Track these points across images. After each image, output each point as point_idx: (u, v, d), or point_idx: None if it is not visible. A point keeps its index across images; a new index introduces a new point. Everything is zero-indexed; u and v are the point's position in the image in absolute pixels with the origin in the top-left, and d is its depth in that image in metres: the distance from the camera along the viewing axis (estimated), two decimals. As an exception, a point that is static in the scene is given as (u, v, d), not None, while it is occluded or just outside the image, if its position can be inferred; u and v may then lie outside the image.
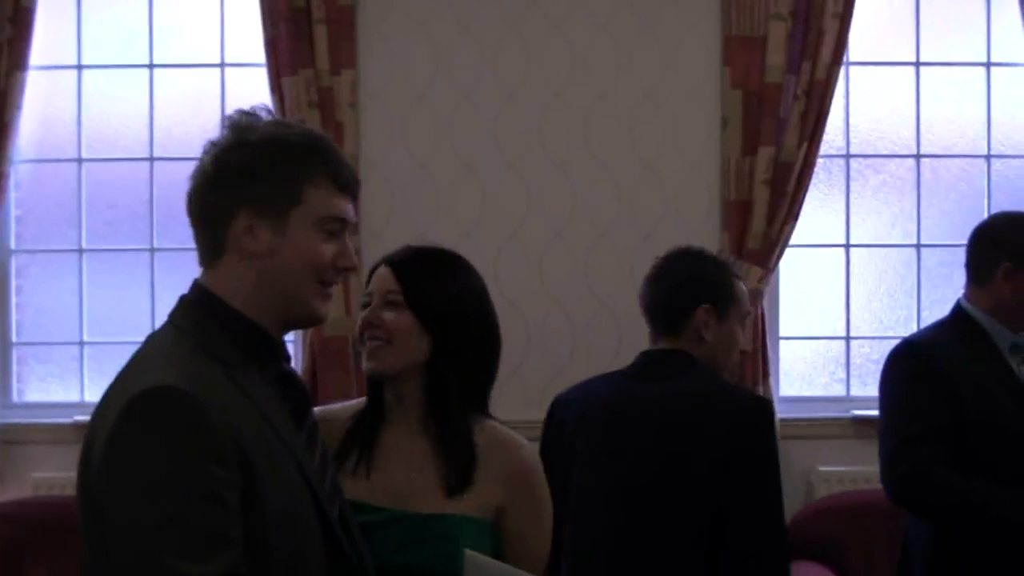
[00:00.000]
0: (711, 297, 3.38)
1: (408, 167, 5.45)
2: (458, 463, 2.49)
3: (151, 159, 5.69)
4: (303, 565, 1.95)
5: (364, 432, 2.57)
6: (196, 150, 5.66)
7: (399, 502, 2.47)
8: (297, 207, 2.03)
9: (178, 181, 5.76)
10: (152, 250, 5.70)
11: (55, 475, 5.53)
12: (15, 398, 5.72)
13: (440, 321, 2.53)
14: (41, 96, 5.64)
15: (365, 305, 2.60)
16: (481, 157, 5.48)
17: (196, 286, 2.08)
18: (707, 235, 5.32)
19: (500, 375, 2.67)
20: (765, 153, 5.29)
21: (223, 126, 2.08)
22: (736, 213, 5.33)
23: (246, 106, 2.10)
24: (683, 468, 3.20)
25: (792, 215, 5.33)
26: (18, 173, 5.64)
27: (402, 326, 2.53)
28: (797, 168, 5.30)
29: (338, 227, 2.09)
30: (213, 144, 2.06)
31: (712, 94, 5.43)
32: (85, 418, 5.42)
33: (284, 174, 2.02)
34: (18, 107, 5.42)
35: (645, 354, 3.46)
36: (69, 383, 5.74)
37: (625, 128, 5.48)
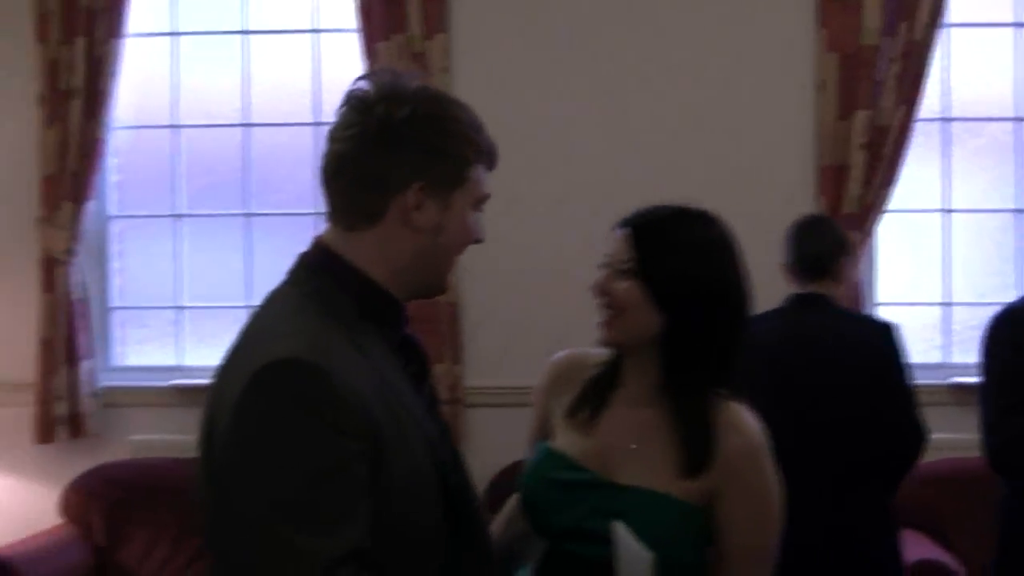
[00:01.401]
0: (848, 251, 4.14)
1: (500, 131, 5.42)
2: (688, 445, 2.33)
3: (246, 125, 5.73)
4: (425, 535, 1.91)
5: (596, 392, 2.46)
6: (289, 116, 5.67)
7: (607, 469, 2.38)
8: (462, 186, 2.00)
9: (272, 147, 5.83)
10: (247, 215, 5.76)
11: (153, 438, 5.62)
12: (115, 362, 5.82)
13: (675, 297, 2.35)
14: (138, 63, 5.71)
15: (601, 266, 2.45)
16: (572, 122, 5.46)
17: (322, 247, 2.01)
18: (801, 200, 5.27)
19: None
20: (861, 117, 5.21)
21: (369, 84, 2.00)
22: (832, 178, 5.27)
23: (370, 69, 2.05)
24: (854, 380, 3.86)
25: (889, 180, 5.25)
26: (116, 140, 5.71)
27: (633, 298, 2.36)
28: (894, 132, 5.22)
29: (484, 205, 2.07)
30: (368, 103, 1.98)
31: (806, 57, 5.36)
32: (183, 382, 5.55)
33: (458, 153, 1.99)
34: (115, 74, 5.49)
35: (800, 296, 4.04)
36: (167, 347, 5.82)
37: (717, 92, 5.43)
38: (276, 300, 1.99)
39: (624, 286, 2.37)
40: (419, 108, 1.97)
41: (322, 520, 1.73)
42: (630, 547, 2.25)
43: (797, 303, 4.05)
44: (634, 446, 2.38)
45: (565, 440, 2.41)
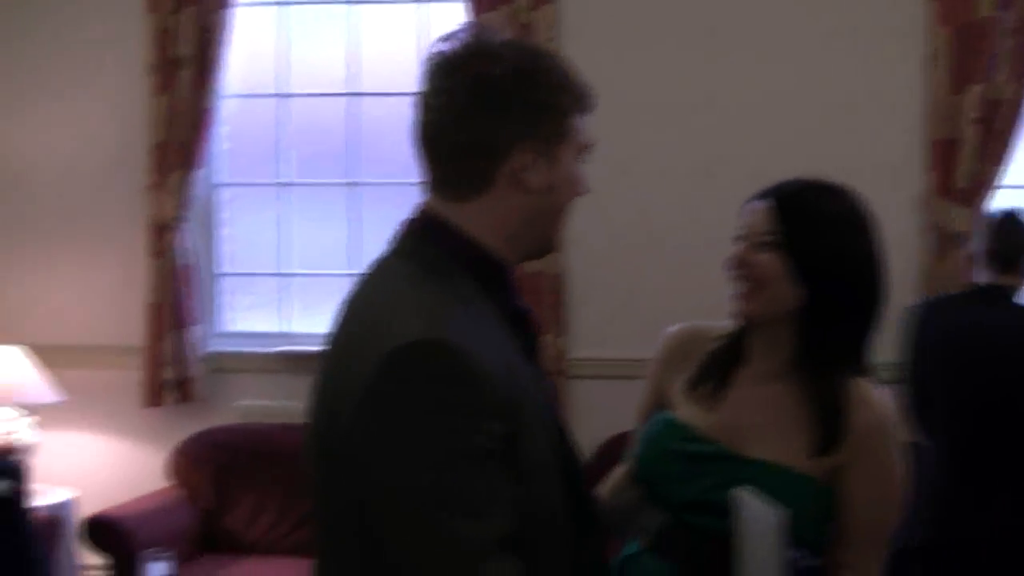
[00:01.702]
0: None
1: (606, 103, 5.40)
2: (820, 421, 2.31)
3: (352, 95, 5.77)
4: (556, 516, 1.86)
5: (720, 365, 2.42)
6: (395, 86, 5.68)
7: (733, 443, 2.34)
8: (566, 139, 1.90)
9: (377, 116, 5.86)
10: (352, 184, 5.80)
11: (259, 403, 5.70)
12: (223, 327, 5.90)
13: (818, 271, 2.31)
14: (246, 33, 5.77)
15: (738, 238, 2.38)
16: (678, 94, 5.42)
17: (429, 216, 1.92)
18: (909, 174, 5.19)
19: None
20: (974, 91, 5.11)
21: (454, 44, 1.91)
22: (942, 152, 5.17)
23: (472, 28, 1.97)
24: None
25: (1002, 155, 5.15)
26: (225, 109, 5.78)
27: (775, 271, 2.31)
28: (1008, 106, 5.11)
29: (587, 155, 1.97)
30: (457, 65, 1.89)
31: (916, 30, 5.26)
32: (289, 348, 5.61)
33: (559, 104, 1.89)
34: (224, 43, 5.55)
35: (986, 287, 3.94)
36: (273, 314, 5.89)
37: (826, 65, 5.35)
38: (387, 271, 1.91)
39: (766, 258, 2.32)
40: (512, 63, 1.87)
41: (472, 505, 1.68)
42: (755, 510, 2.23)
43: (982, 293, 3.98)
44: (762, 421, 2.35)
45: (687, 413, 2.39)
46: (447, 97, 1.88)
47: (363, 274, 1.95)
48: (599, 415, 5.21)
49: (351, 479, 1.76)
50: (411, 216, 1.96)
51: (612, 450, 4.79)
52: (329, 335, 1.94)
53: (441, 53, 1.90)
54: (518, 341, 1.91)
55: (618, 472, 2.53)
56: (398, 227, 1.97)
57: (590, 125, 1.94)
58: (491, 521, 1.69)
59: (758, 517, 2.23)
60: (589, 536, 1.97)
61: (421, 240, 1.91)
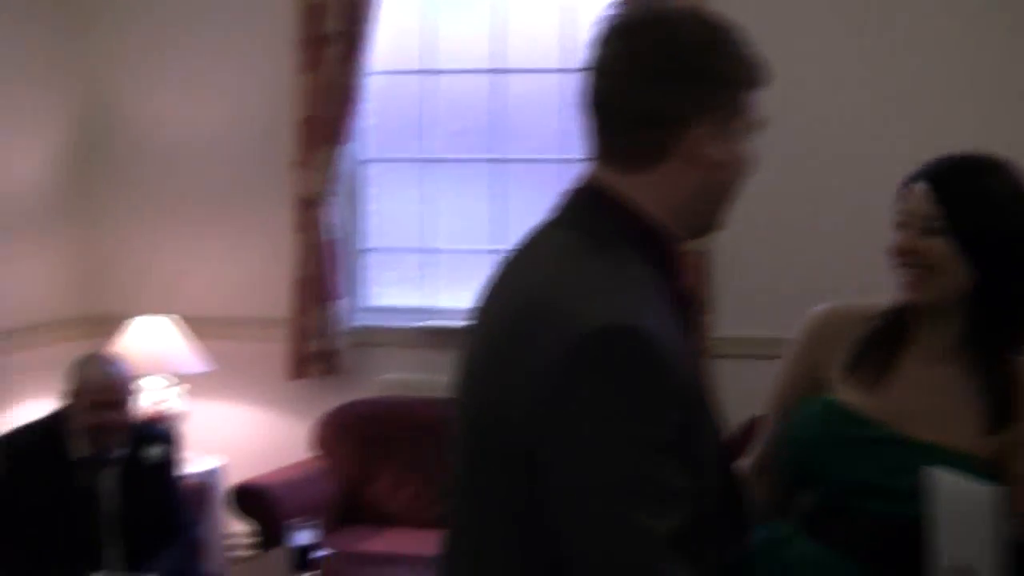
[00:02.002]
0: None
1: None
2: (995, 403, 2.26)
3: (496, 71, 5.77)
4: (715, 504, 1.79)
5: (881, 347, 2.36)
6: (539, 62, 5.62)
7: (901, 427, 2.29)
8: (741, 114, 1.84)
9: (522, 93, 5.84)
10: (495, 160, 5.81)
11: (402, 376, 5.75)
12: (366, 301, 5.96)
13: (987, 252, 2.25)
14: (393, 9, 5.79)
15: (899, 225, 2.32)
16: (836, 69, 5.31)
17: (596, 188, 1.83)
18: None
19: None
20: None
21: (630, 12, 1.82)
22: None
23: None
24: None
25: None
26: (371, 85, 5.82)
27: (944, 257, 2.25)
28: None
29: (759, 132, 1.90)
30: (635, 32, 1.81)
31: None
32: (432, 323, 5.64)
33: (736, 77, 1.83)
34: (371, 20, 5.59)
35: None
36: (415, 289, 5.93)
37: (988, 46, 5.19)
38: (548, 243, 1.83)
39: (933, 244, 2.26)
40: (697, 31, 1.80)
41: (655, 499, 1.63)
42: (957, 490, 2.18)
43: None
44: (931, 403, 2.30)
45: (847, 396, 2.34)
46: (627, 63, 1.79)
47: (520, 245, 1.88)
48: (742, 395, 5.13)
49: (523, 465, 1.69)
50: (575, 186, 1.87)
51: (754, 431, 4.73)
52: (481, 308, 1.87)
53: (620, 18, 1.82)
54: (680, 321, 1.83)
55: (749, 458, 2.49)
56: (560, 197, 1.88)
57: (761, 102, 1.88)
58: (671, 516, 1.64)
59: (961, 496, 2.18)
60: (742, 527, 1.93)
61: (586, 211, 1.82)
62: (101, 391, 4.17)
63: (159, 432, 4.47)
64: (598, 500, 1.63)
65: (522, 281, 1.81)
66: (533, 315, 1.72)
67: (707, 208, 1.86)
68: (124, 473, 4.22)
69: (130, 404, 4.26)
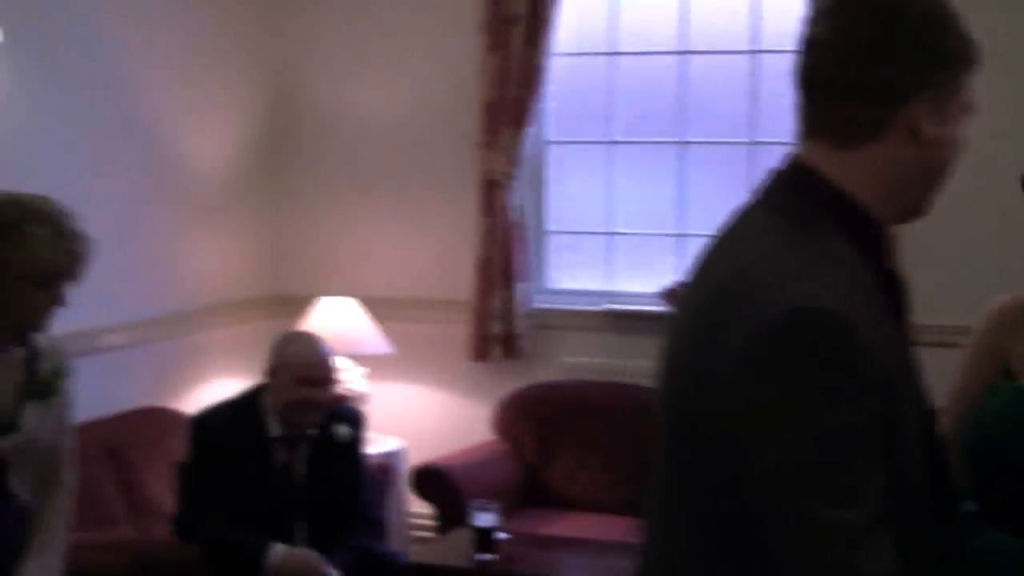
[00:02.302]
0: None
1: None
2: None
3: (682, 52, 5.69)
4: (918, 494, 1.74)
5: None
6: (726, 44, 5.53)
7: None
8: (958, 92, 1.76)
9: (708, 74, 5.75)
10: (681, 143, 5.73)
11: (584, 360, 5.72)
12: (548, 284, 5.95)
13: None
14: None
15: None
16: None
17: (803, 167, 1.79)
18: None
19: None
20: None
21: None
22: None
23: None
24: None
25: None
26: (554, 66, 5.79)
27: None
28: None
29: (970, 114, 1.81)
30: (854, 4, 1.75)
31: None
32: (614, 307, 5.61)
33: (956, 54, 1.75)
34: (555, 1, 5.56)
35: None
36: (599, 272, 5.89)
37: None
38: (752, 225, 1.80)
39: None
40: (922, 4, 1.74)
41: (847, 488, 1.59)
42: None
43: None
44: None
45: None
46: (845, 36, 1.74)
47: (724, 227, 1.84)
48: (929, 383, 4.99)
49: (722, 452, 1.67)
50: (781, 166, 1.82)
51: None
52: (684, 293, 1.84)
53: None
54: (889, 306, 1.77)
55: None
56: (765, 176, 1.84)
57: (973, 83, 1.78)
58: (865, 504, 1.59)
59: None
60: (950, 517, 1.84)
61: (791, 191, 1.78)
62: (308, 367, 4.23)
63: (348, 412, 4.52)
64: (788, 488, 1.59)
65: (722, 263, 1.78)
66: (730, 297, 1.69)
67: (917, 190, 1.79)
68: (313, 452, 4.28)
69: (332, 383, 4.32)
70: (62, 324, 4.83)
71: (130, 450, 4.78)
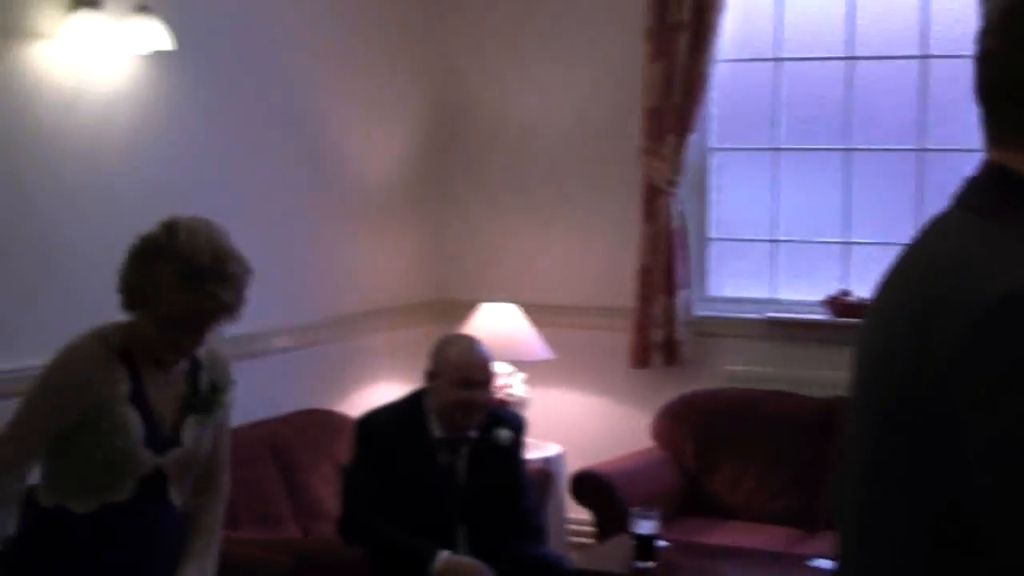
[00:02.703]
0: None
1: None
2: None
3: (848, 58, 5.60)
4: None
5: None
6: (894, 48, 5.40)
7: None
8: None
9: (875, 80, 5.62)
10: (847, 150, 5.64)
11: (745, 368, 5.67)
12: (710, 292, 5.91)
13: None
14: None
15: None
16: None
17: (1000, 170, 1.78)
18: None
19: None
20: None
21: None
22: None
23: None
24: None
25: None
26: (718, 73, 5.76)
27: None
28: None
29: None
30: (1018, 20, 1.76)
31: None
32: (777, 315, 5.54)
33: None
34: (720, 8, 5.52)
35: None
36: (761, 280, 5.83)
37: None
38: (960, 226, 1.78)
39: None
40: None
41: None
42: None
43: None
44: None
45: None
46: (1019, 45, 1.74)
47: (920, 233, 1.84)
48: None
49: (941, 439, 1.67)
50: (976, 171, 1.81)
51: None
52: (877, 298, 1.84)
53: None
54: None
55: None
56: (963, 183, 1.82)
57: None
58: None
59: None
60: None
61: (991, 192, 1.77)
62: (468, 369, 4.27)
63: (509, 416, 4.55)
64: (1008, 471, 1.57)
65: (927, 260, 1.77)
66: (943, 287, 1.68)
67: None
68: (474, 454, 4.32)
69: (492, 385, 4.37)
70: (231, 327, 4.98)
71: (295, 451, 4.87)
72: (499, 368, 5.55)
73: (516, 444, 4.43)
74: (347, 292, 5.68)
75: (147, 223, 4.52)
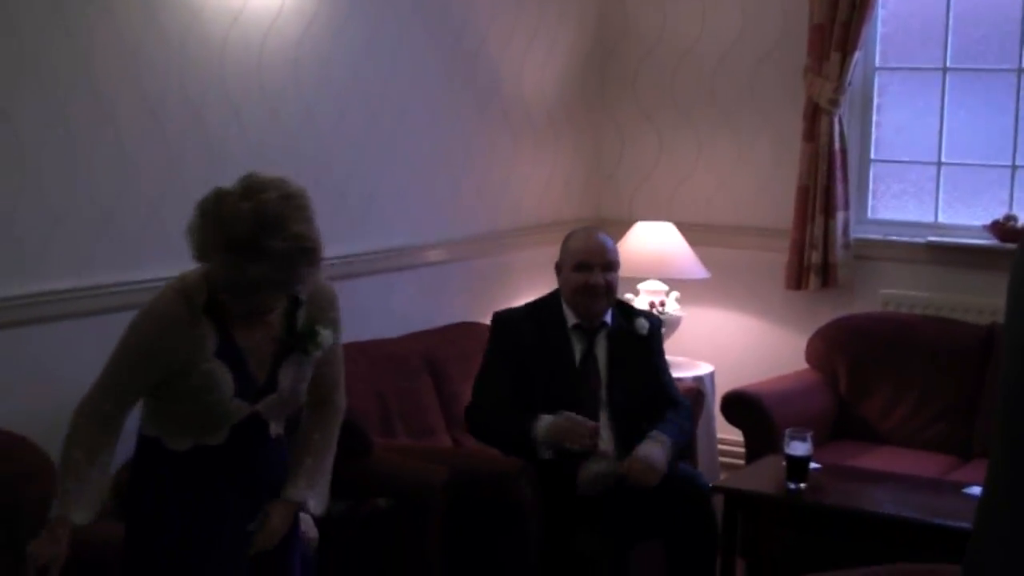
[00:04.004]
0: None
1: None
2: None
3: (1023, -25, 5.42)
4: None
5: None
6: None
7: None
8: None
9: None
10: (1020, 71, 5.47)
11: (902, 293, 5.59)
12: (870, 214, 5.81)
13: None
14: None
15: None
16: None
17: None
18: None
19: None
20: None
21: None
22: None
23: None
24: None
25: None
26: (886, -10, 5.64)
27: None
28: None
29: None
30: None
31: None
32: (937, 239, 5.44)
33: None
34: (891, -78, 5.38)
35: None
36: (923, 203, 5.71)
37: None
38: None
39: None
40: None
41: None
42: None
43: None
44: None
45: None
46: None
47: None
48: None
49: None
50: None
51: None
52: None
53: None
54: None
55: None
56: None
57: None
58: None
59: None
60: None
61: None
62: (584, 253, 4.41)
63: (646, 313, 4.65)
64: None
65: None
66: None
67: None
68: (614, 343, 4.42)
69: (611, 270, 4.43)
70: (388, 240, 5.07)
71: (449, 363, 4.95)
72: (652, 286, 5.58)
73: (654, 333, 4.50)
74: (502, 209, 5.72)
75: (308, 136, 4.65)
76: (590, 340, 4.40)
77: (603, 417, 4.33)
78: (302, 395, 3.00)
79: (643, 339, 4.46)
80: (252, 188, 2.76)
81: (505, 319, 4.48)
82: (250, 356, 2.88)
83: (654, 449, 4.19)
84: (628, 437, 4.29)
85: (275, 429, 2.98)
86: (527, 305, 4.59)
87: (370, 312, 4.98)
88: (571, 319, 4.41)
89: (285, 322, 2.93)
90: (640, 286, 5.63)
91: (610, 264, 4.42)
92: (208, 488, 2.91)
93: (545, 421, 4.18)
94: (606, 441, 4.28)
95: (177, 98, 4.17)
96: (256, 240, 2.69)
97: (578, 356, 4.38)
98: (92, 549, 3.01)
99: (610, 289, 4.41)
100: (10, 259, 3.74)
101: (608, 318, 4.43)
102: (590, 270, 4.37)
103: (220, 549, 2.93)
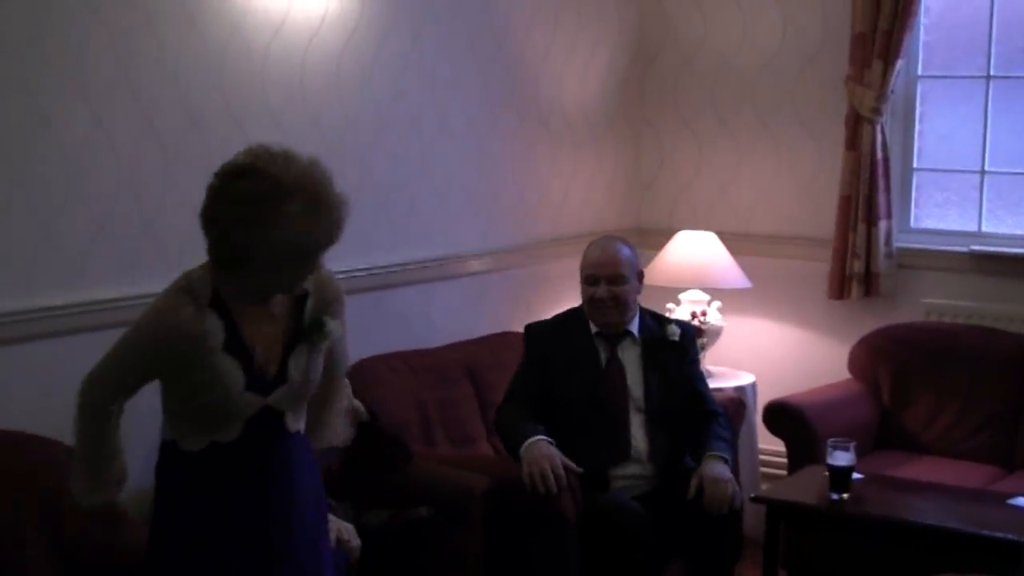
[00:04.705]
0: None
1: None
2: None
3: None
4: None
5: None
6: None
7: None
8: None
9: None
10: (1061, 79, 5.44)
11: (946, 302, 5.56)
12: (912, 223, 5.78)
13: None
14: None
15: None
16: None
17: None
18: None
19: None
20: None
21: None
22: None
23: None
24: None
25: None
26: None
27: None
28: None
29: None
30: None
31: None
32: (981, 248, 5.42)
33: None
34: (933, -70, 5.36)
35: None
36: (967, 212, 5.67)
37: None
38: None
39: None
40: None
41: None
42: None
43: None
44: None
45: None
46: None
47: None
48: None
49: None
50: None
51: None
52: None
53: None
54: None
55: None
56: None
57: None
58: None
59: None
60: None
61: None
62: (590, 267, 4.52)
63: (679, 320, 4.73)
64: None
65: None
66: None
67: None
68: (645, 349, 4.49)
69: (623, 281, 4.46)
70: (429, 250, 5.09)
71: (488, 372, 4.96)
72: (693, 295, 5.57)
73: (687, 340, 4.56)
74: (543, 219, 5.72)
75: (351, 148, 4.67)
76: (614, 346, 4.48)
77: (637, 421, 4.39)
78: (314, 385, 2.99)
79: (676, 345, 4.51)
80: (252, 160, 2.85)
81: (535, 331, 4.60)
82: (258, 349, 2.87)
83: (718, 466, 4.26)
84: (662, 441, 4.36)
85: (292, 424, 2.96)
86: (557, 316, 4.69)
87: (411, 321, 5.00)
88: (594, 326, 4.51)
89: (292, 312, 2.92)
90: (681, 296, 5.62)
91: (617, 277, 4.47)
92: (221, 496, 2.88)
93: (533, 441, 4.23)
94: (640, 444, 4.37)
95: (218, 109, 4.20)
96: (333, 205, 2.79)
97: (603, 359, 4.47)
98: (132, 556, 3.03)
99: (618, 302, 4.46)
100: (113, 264, 3.78)
101: (634, 327, 4.51)
102: (596, 283, 4.48)
103: (236, 552, 2.89)
